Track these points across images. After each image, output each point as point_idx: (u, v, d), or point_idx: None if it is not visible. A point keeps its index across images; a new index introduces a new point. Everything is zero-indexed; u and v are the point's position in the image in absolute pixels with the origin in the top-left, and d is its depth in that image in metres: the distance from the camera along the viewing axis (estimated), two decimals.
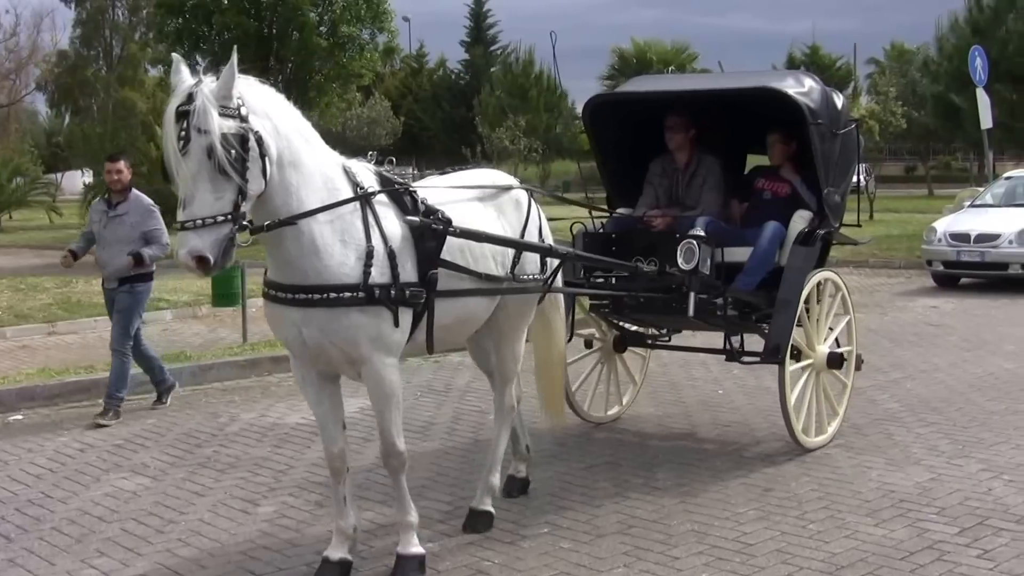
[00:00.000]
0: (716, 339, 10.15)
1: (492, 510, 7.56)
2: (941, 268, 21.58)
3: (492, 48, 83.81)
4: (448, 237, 6.69)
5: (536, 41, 74.04)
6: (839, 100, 9.81)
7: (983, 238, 20.90)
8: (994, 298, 19.58)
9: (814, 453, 9.14)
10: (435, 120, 78.03)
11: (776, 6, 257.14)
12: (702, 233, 8.68)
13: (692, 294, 8.64)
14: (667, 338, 10.55)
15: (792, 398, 8.94)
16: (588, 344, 10.49)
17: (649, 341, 10.62)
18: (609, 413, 10.47)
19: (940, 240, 21.43)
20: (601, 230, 9.63)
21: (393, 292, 6.29)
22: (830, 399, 9.56)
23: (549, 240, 8.01)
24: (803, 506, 7.79)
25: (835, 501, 7.88)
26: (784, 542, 7.08)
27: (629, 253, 8.97)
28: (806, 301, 9.07)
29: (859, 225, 10.29)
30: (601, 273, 9.44)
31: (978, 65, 28.28)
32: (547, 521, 7.58)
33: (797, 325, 8.97)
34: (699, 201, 9.55)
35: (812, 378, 9.28)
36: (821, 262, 9.67)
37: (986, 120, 27.39)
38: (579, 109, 69.10)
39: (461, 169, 8.07)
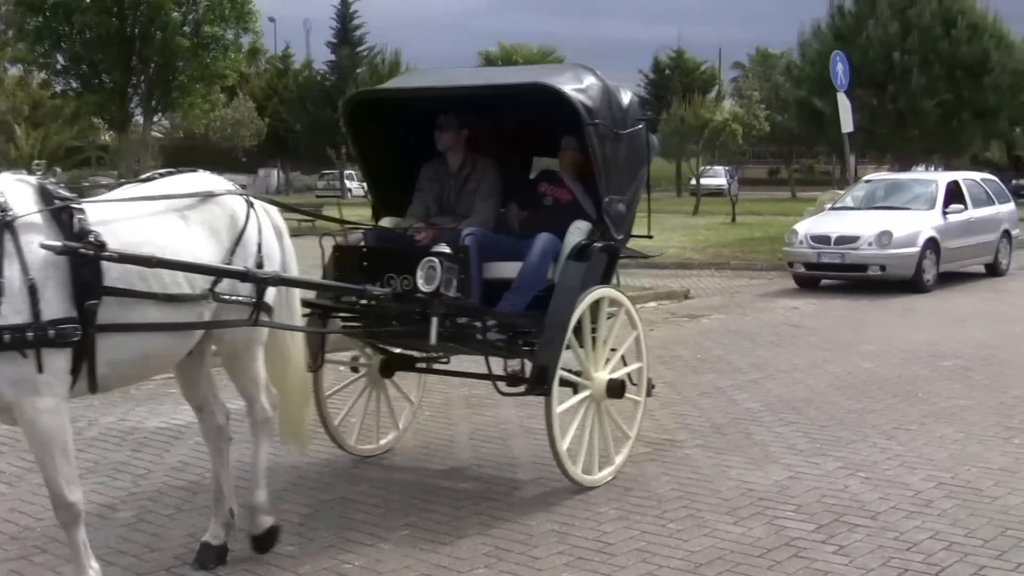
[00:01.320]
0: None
1: (274, 523, 7.01)
2: (802, 270, 21.94)
3: (359, 50, 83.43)
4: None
5: (403, 44, 74.10)
6: (625, 97, 8.90)
7: (843, 240, 21.28)
8: (854, 299, 19.95)
9: (675, 453, 9.20)
10: (301, 121, 77.50)
11: (646, 12, 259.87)
12: (446, 250, 7.75)
13: (434, 319, 7.55)
14: (445, 360, 9.56)
15: (566, 433, 8.04)
16: (354, 369, 9.43)
17: (420, 365, 9.53)
18: (382, 443, 9.35)
19: (801, 242, 21.79)
20: (362, 244, 8.69)
21: (31, 334, 5.44)
22: (617, 423, 8.67)
23: (281, 257, 6.98)
24: (663, 505, 7.83)
25: (695, 500, 7.93)
26: (644, 541, 7.10)
27: (382, 270, 8.05)
28: (593, 324, 8.25)
29: (650, 236, 9.21)
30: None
31: (839, 70, 28.80)
32: (408, 523, 7.51)
33: (570, 350, 8.07)
34: (472, 209, 8.75)
35: (592, 409, 8.31)
36: (607, 278, 8.69)
37: (847, 124, 27.90)
38: None
39: (173, 174, 6.78)
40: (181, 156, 64.85)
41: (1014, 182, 55.22)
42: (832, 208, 24.34)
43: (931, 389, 11.69)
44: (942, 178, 24.08)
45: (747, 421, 10.35)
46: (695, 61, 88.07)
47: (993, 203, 24.36)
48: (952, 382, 12.06)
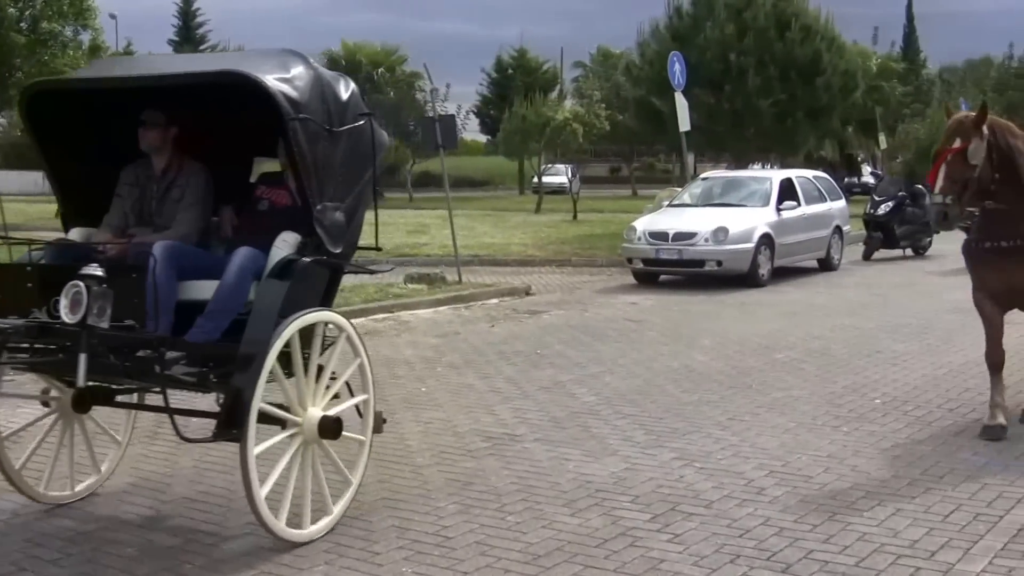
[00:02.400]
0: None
1: None
2: (641, 266, 22.24)
3: (201, 47, 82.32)
4: None
5: (246, 42, 73.21)
6: (346, 89, 7.76)
7: (680, 237, 21.63)
8: (691, 294, 20.29)
9: (514, 447, 9.27)
10: None
11: (489, 11, 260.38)
12: (98, 272, 6.33)
13: (82, 356, 6.24)
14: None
15: (268, 479, 6.86)
16: (45, 404, 8.10)
17: (120, 399, 8.09)
18: (78, 489, 7.99)
19: (640, 239, 22.09)
20: (43, 260, 7.27)
21: None
22: (337, 467, 7.52)
23: None
24: (502, 499, 7.89)
25: (533, 493, 8.01)
26: (483, 534, 7.15)
27: (50, 293, 6.62)
28: (306, 351, 7.16)
29: (378, 248, 8.14)
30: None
31: (677, 70, 29.21)
32: (249, 523, 7.41)
33: (279, 381, 6.92)
34: (172, 219, 7.61)
35: (302, 451, 7.15)
36: (328, 298, 7.74)
37: (684, 123, 28.30)
38: None
39: None
40: (20, 154, 63.38)
41: (846, 180, 56.63)
42: (670, 205, 24.72)
43: (765, 381, 11.95)
44: (776, 176, 24.60)
45: (585, 414, 10.46)
46: (537, 60, 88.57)
47: (825, 200, 24.98)
48: (785, 373, 12.34)
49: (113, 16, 74.95)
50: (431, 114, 25.33)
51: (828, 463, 8.71)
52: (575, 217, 40.09)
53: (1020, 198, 9.24)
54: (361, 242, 7.99)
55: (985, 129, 9.15)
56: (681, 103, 28.41)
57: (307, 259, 7.19)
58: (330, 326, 7.39)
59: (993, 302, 9.73)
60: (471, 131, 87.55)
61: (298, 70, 7.32)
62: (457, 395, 11.42)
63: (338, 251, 7.44)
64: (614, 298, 20.07)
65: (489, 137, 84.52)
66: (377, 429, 7.99)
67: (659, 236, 21.87)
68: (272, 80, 7.03)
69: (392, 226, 35.75)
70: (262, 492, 6.68)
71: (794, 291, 20.85)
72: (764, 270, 21.80)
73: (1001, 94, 67.54)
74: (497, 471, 8.60)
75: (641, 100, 45.19)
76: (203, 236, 7.75)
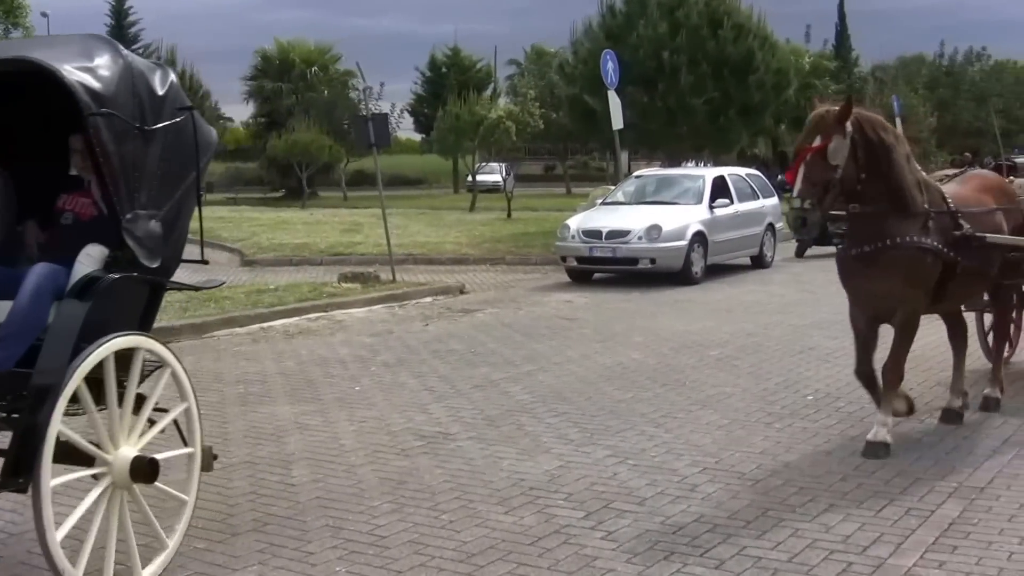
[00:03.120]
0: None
1: None
2: (575, 264, 22.27)
3: (134, 47, 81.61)
4: None
5: (183, 40, 72.71)
6: (163, 81, 6.70)
7: (614, 234, 21.67)
8: (625, 292, 20.34)
9: (448, 446, 9.26)
10: None
11: (424, 9, 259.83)
12: None
13: None
14: None
15: (64, 523, 5.88)
16: None
17: None
18: None
19: (573, 237, 22.12)
20: None
21: None
22: (148, 517, 6.46)
23: None
24: (436, 497, 7.87)
25: (467, 492, 7.99)
26: (417, 533, 7.12)
27: None
28: (122, 381, 6.20)
29: (204, 262, 7.13)
30: None
31: (610, 68, 29.25)
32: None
33: (89, 414, 6.03)
34: None
35: (108, 495, 6.14)
36: (146, 320, 6.83)
37: (617, 121, 28.34)
38: (223, 110, 66.39)
39: None
40: None
41: (779, 177, 56.94)
42: (603, 203, 24.76)
43: (698, 378, 11.99)
44: (709, 174, 24.70)
45: (519, 413, 10.45)
46: (471, 59, 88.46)
47: (758, 197, 25.14)
48: (718, 371, 12.40)
49: (45, 14, 74.08)
50: (364, 113, 25.22)
51: (761, 459, 8.76)
52: (509, 215, 40.07)
53: (888, 199, 8.73)
54: (186, 255, 7.04)
55: (849, 125, 8.47)
56: (614, 101, 28.46)
57: (115, 275, 6.20)
58: (141, 354, 6.31)
59: (865, 315, 9.17)
60: (405, 129, 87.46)
61: (103, 59, 6.38)
62: (391, 394, 11.38)
63: (155, 265, 6.38)
64: (548, 296, 20.08)
65: (424, 136, 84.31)
66: (206, 467, 6.98)
67: (593, 234, 21.90)
68: (70, 69, 6.09)
69: (326, 225, 35.65)
70: (57, 536, 5.76)
71: (727, 288, 20.95)
72: (697, 268, 21.88)
73: (932, 91, 68.32)
74: (431, 470, 8.57)
75: (575, 98, 45.09)
76: (9, 252, 6.75)
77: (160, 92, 6.62)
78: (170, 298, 17.82)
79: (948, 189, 9.58)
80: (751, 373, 12.20)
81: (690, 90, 40.27)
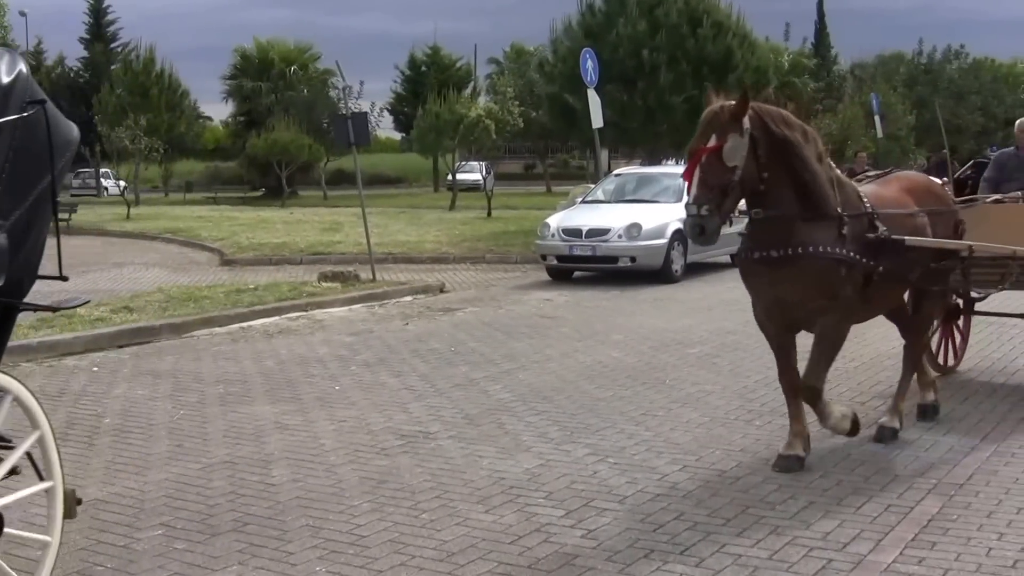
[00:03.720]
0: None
1: None
2: (555, 262, 22.29)
3: (113, 45, 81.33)
4: None
5: (161, 39, 72.53)
6: (8, 70, 5.53)
7: (594, 233, 21.70)
8: (605, 290, 20.36)
9: (428, 445, 9.24)
10: None
11: (403, 7, 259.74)
12: None
13: None
14: None
15: None
16: None
17: None
18: None
19: (553, 235, 22.15)
20: None
21: None
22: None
23: None
24: (416, 496, 7.86)
25: (447, 490, 7.98)
26: (397, 532, 7.11)
27: None
28: None
29: (63, 278, 5.90)
30: None
31: (589, 67, 29.23)
32: (161, 522, 7.38)
33: None
34: None
35: None
36: None
37: (597, 120, 28.33)
38: (203, 109, 66.48)
39: None
40: None
41: None
42: (583, 202, 24.79)
43: (678, 376, 12.00)
44: None
45: (499, 411, 10.44)
46: (451, 57, 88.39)
47: None
48: (698, 368, 12.41)
49: (23, 13, 74.04)
50: (344, 111, 25.19)
51: (741, 457, 8.77)
52: (489, 214, 40.09)
53: (794, 200, 8.10)
54: (42, 271, 5.87)
55: (747, 121, 7.80)
56: (594, 100, 28.45)
57: None
58: None
59: (775, 322, 8.68)
60: (385, 128, 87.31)
61: None
62: (371, 393, 11.36)
63: (0, 284, 5.33)
64: (528, 295, 20.08)
65: (403, 134, 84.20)
66: (68, 514, 6.02)
67: (573, 233, 21.93)
68: None
69: (306, 224, 35.62)
70: None
71: (707, 286, 20.98)
72: (677, 266, 21.92)
73: (911, 89, 68.34)
74: (411, 469, 8.56)
75: (554, 97, 45.06)
76: None
77: (3, 81, 5.48)
78: (150, 298, 17.81)
79: (866, 189, 8.95)
80: (731, 371, 12.22)
81: (669, 88, 40.26)
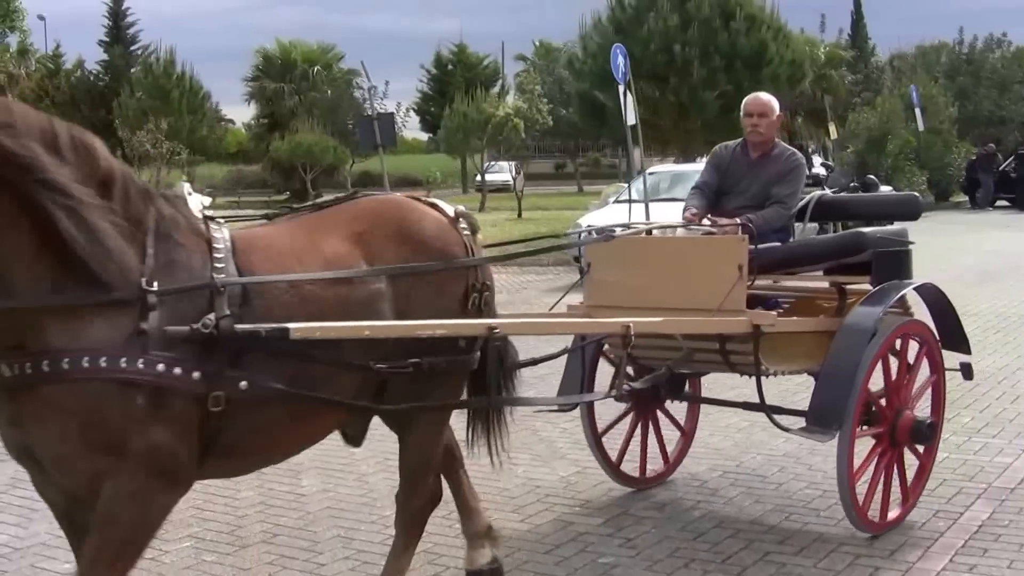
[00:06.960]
0: None
1: None
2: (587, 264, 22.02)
3: (132, 48, 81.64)
4: None
5: (177, 41, 72.72)
6: None
7: None
8: None
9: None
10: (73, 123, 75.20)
11: (424, 6, 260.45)
12: None
13: None
14: None
15: None
16: None
17: None
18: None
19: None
20: None
21: None
22: None
23: None
24: (449, 505, 7.62)
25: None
26: (431, 543, 6.96)
27: None
28: None
29: None
30: None
31: (620, 63, 29.01)
32: (189, 534, 7.28)
33: None
34: None
35: None
36: None
37: (629, 117, 28.19)
38: (224, 111, 66.41)
39: None
40: None
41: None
42: (616, 201, 24.58)
43: (716, 379, 11.73)
44: None
45: (533, 418, 10.23)
46: (478, 56, 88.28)
47: None
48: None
49: (42, 17, 74.40)
50: (369, 112, 25.12)
51: (783, 462, 8.62)
52: (520, 215, 40.01)
53: (35, 271, 4.28)
54: None
55: None
56: (627, 96, 28.30)
57: None
58: None
59: (50, 486, 4.73)
60: (412, 129, 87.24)
61: None
62: None
63: None
64: (561, 298, 19.85)
65: (430, 135, 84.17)
66: None
67: None
68: None
69: None
70: None
71: None
72: None
73: (952, 80, 67.63)
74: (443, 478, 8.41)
75: (584, 94, 45.01)
76: None
77: None
78: None
79: (247, 235, 5.03)
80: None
81: (702, 84, 40.13)
